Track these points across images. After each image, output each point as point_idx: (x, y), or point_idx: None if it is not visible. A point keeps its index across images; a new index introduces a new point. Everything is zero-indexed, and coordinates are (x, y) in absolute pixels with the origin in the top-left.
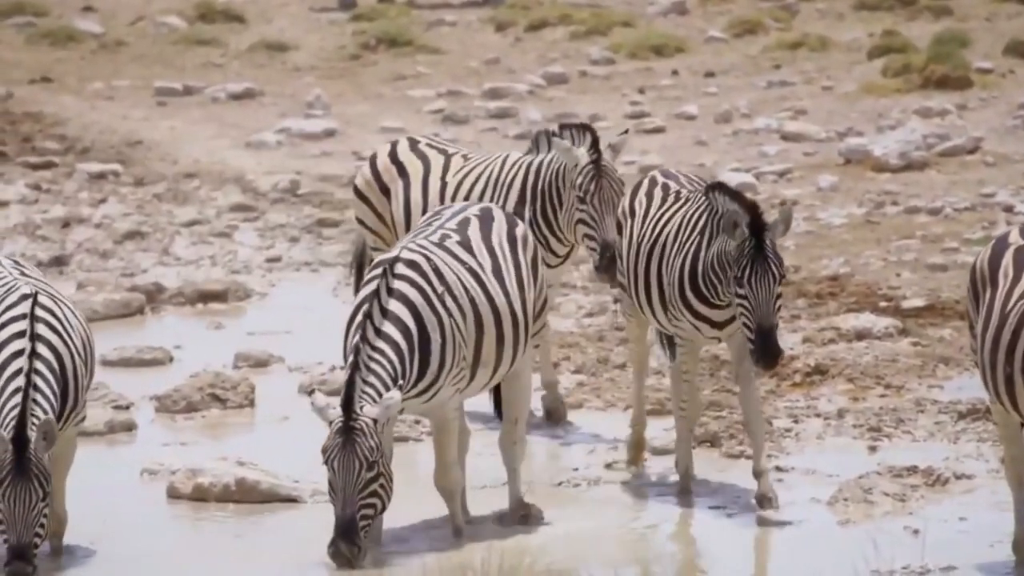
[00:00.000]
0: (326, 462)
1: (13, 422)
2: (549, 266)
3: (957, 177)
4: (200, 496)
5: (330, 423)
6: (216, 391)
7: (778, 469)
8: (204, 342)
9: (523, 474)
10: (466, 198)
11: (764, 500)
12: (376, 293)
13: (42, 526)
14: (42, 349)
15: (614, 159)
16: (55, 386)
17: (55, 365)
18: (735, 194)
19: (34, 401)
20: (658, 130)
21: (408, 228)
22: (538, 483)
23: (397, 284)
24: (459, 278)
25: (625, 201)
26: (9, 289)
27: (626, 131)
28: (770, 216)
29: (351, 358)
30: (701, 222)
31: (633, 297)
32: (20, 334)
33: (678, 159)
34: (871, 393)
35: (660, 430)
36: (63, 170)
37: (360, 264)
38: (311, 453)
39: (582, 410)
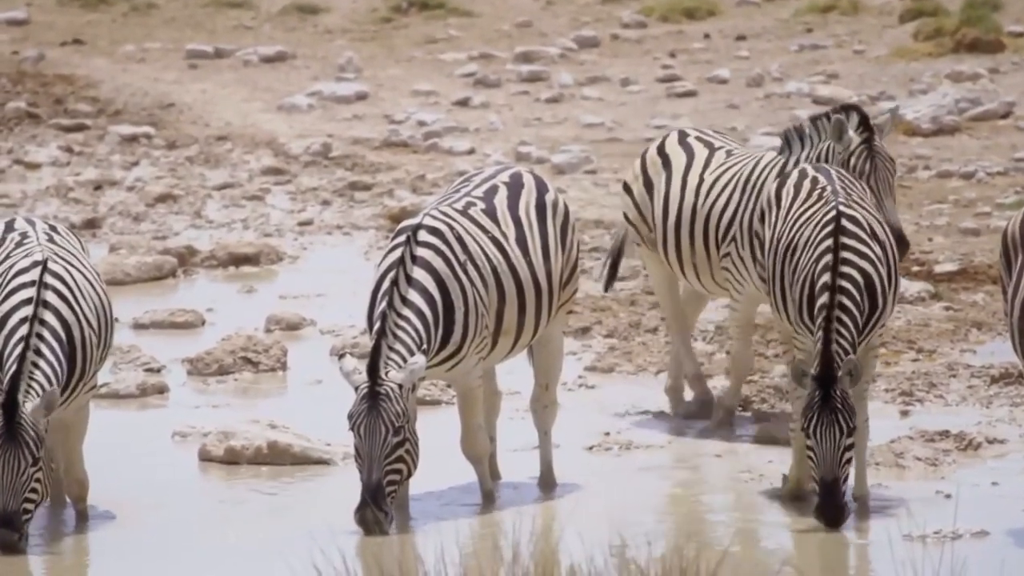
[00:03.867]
0: (352, 428)
1: (5, 387)
2: None
3: (989, 141)
4: (232, 459)
5: (356, 389)
6: (248, 354)
7: None
8: (236, 305)
9: (554, 438)
10: (718, 198)
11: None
12: (401, 261)
13: (34, 491)
14: (48, 316)
15: (880, 139)
16: (60, 354)
17: (61, 333)
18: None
19: (36, 367)
20: (689, 94)
21: (665, 225)
22: (569, 447)
23: (421, 251)
24: (481, 247)
25: (772, 188)
26: (26, 254)
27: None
28: (843, 367)
29: (378, 324)
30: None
31: (770, 296)
32: (28, 301)
33: (710, 122)
34: (903, 357)
35: (690, 396)
36: (95, 132)
37: (615, 260)
38: (343, 416)
39: (613, 374)
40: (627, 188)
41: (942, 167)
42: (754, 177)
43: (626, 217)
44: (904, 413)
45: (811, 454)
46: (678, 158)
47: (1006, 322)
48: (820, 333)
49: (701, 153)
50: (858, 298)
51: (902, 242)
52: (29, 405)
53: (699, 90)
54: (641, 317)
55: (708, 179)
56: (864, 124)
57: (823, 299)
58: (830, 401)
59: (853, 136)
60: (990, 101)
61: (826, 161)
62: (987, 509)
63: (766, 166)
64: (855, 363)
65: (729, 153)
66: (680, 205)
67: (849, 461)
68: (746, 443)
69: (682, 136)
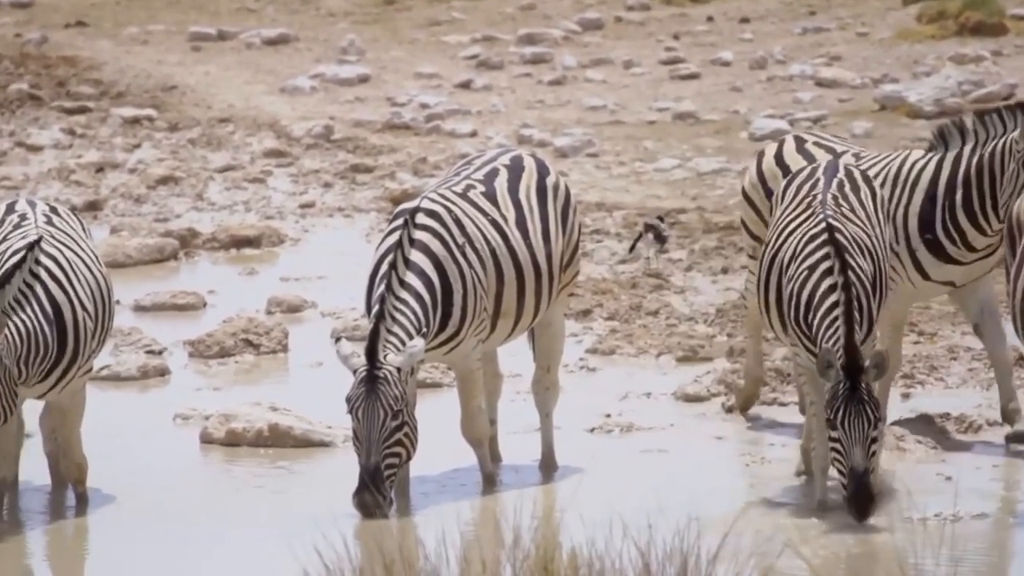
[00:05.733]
0: (350, 411)
1: None
2: (960, 263)
3: None
4: (233, 441)
5: (354, 372)
6: (249, 336)
7: None
8: (237, 287)
9: (555, 420)
10: None
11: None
12: (399, 244)
13: None
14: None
15: None
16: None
17: (51, 314)
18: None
19: None
20: (693, 76)
21: None
22: (570, 429)
23: (419, 235)
24: (480, 230)
25: (782, 184)
26: (22, 236)
27: None
28: (866, 359)
29: (376, 308)
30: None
31: (758, 298)
32: None
33: (712, 105)
34: (904, 340)
35: (691, 378)
36: (97, 115)
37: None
38: (344, 399)
39: (614, 356)
40: (748, 198)
41: None
42: (904, 173)
43: (746, 227)
44: (905, 396)
45: (837, 446)
46: (799, 165)
47: (1007, 303)
48: (839, 326)
49: (825, 159)
50: (863, 300)
51: None
52: None
53: (702, 72)
54: (642, 300)
55: None
56: None
57: (833, 297)
58: (857, 392)
59: None
60: (993, 84)
61: (1001, 160)
62: (987, 492)
63: (915, 162)
64: (882, 355)
65: (857, 156)
66: None
67: (875, 454)
68: (747, 426)
69: (799, 143)
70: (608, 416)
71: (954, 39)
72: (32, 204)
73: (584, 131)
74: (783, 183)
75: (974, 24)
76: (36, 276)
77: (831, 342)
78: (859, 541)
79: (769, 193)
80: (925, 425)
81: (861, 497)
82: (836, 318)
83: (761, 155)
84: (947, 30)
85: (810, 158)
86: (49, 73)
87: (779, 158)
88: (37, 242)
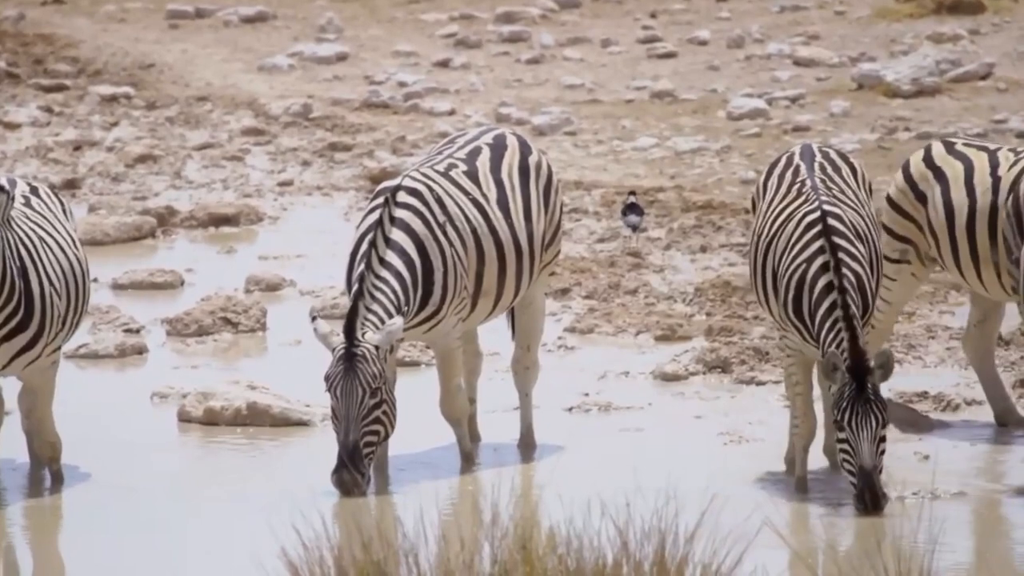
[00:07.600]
0: (329, 389)
1: None
2: None
3: (969, 103)
4: (211, 420)
5: (332, 350)
6: (228, 315)
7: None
8: (216, 266)
9: (534, 399)
10: None
11: None
12: (379, 222)
13: None
14: None
15: None
16: None
17: (19, 271)
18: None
19: None
20: (670, 55)
21: (952, 232)
22: (549, 408)
23: (399, 213)
24: (461, 208)
25: (762, 175)
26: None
27: None
28: (876, 360)
29: (355, 286)
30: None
31: (753, 285)
32: None
33: (690, 84)
34: None
35: (670, 357)
36: (75, 93)
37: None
38: (323, 377)
39: (593, 335)
40: (894, 204)
41: (922, 128)
42: None
43: (891, 231)
44: None
45: (846, 445)
46: (953, 167)
47: (1012, 283)
48: (842, 331)
49: (980, 157)
50: (857, 298)
51: None
52: None
53: (679, 51)
54: (621, 278)
55: (1007, 176)
56: None
57: (832, 297)
58: (864, 392)
59: None
60: (970, 62)
61: None
62: (965, 470)
63: None
64: (888, 355)
65: (1015, 152)
66: (972, 208)
67: (883, 452)
68: (725, 405)
69: (949, 146)
70: (586, 395)
71: (932, 18)
72: (12, 183)
73: (562, 109)
74: (762, 175)
75: (951, 2)
76: (8, 235)
77: (835, 345)
78: (837, 520)
79: (920, 196)
80: (903, 403)
81: (871, 494)
82: (837, 320)
83: (907, 164)
84: (925, 8)
85: (963, 157)
86: (26, 51)
87: (929, 161)
88: (10, 195)
